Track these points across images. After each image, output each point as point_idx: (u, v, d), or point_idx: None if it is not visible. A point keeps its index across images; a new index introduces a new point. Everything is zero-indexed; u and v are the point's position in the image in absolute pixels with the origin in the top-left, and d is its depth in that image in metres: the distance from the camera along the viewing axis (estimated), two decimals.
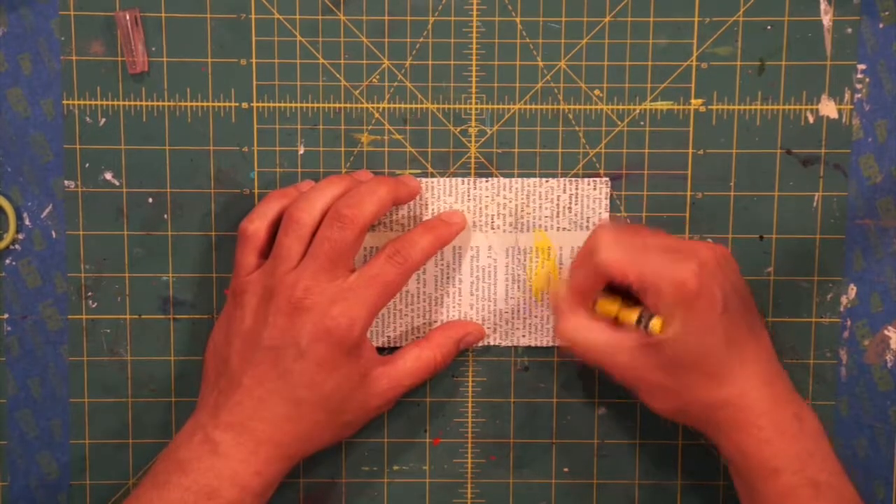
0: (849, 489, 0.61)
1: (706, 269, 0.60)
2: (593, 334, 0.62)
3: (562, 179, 0.67)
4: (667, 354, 0.60)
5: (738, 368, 0.60)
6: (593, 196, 0.68)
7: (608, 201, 0.67)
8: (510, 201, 0.67)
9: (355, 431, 0.66)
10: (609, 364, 0.62)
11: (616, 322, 0.63)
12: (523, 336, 0.69)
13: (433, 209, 0.67)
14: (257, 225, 0.64)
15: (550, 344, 0.69)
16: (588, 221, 0.68)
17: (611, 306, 0.63)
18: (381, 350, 0.67)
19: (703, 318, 0.59)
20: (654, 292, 0.60)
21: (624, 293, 0.63)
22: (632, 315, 0.62)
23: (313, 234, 0.63)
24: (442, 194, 0.67)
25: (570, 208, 0.68)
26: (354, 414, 0.64)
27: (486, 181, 0.67)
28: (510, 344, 0.69)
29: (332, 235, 0.62)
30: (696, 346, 0.60)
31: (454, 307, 0.68)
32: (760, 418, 0.60)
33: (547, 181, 0.67)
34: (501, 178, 0.67)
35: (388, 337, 0.68)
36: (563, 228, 0.68)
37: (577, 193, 0.67)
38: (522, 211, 0.68)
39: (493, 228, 0.68)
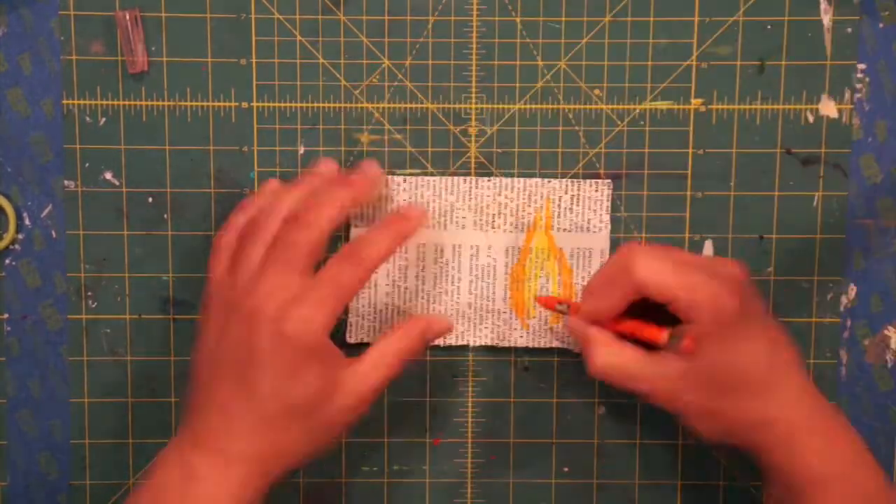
0: (892, 492, 0.60)
1: (739, 285, 0.59)
2: (632, 362, 0.61)
3: (563, 180, 0.67)
4: (707, 376, 0.59)
5: (780, 384, 0.60)
6: (595, 197, 0.68)
7: (609, 203, 0.67)
8: (511, 201, 0.67)
9: (336, 438, 0.62)
10: (650, 391, 0.61)
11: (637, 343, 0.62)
12: (521, 337, 0.69)
13: (434, 207, 0.67)
14: (228, 238, 0.63)
15: (549, 345, 0.69)
16: (589, 223, 0.68)
17: (632, 327, 0.62)
18: None
19: (744, 335, 0.59)
20: (696, 308, 0.59)
21: (639, 313, 0.62)
22: (658, 335, 0.61)
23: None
24: (444, 192, 0.67)
25: (571, 209, 0.68)
26: (328, 420, 0.60)
27: (488, 180, 0.67)
28: (508, 345, 0.69)
29: (290, 237, 0.60)
30: (737, 364, 0.59)
31: (452, 305, 0.68)
32: (808, 432, 0.59)
33: (549, 182, 0.67)
34: (503, 178, 0.67)
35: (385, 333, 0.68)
36: (564, 230, 0.68)
37: (578, 195, 0.67)
38: (523, 211, 0.68)
39: (493, 228, 0.68)
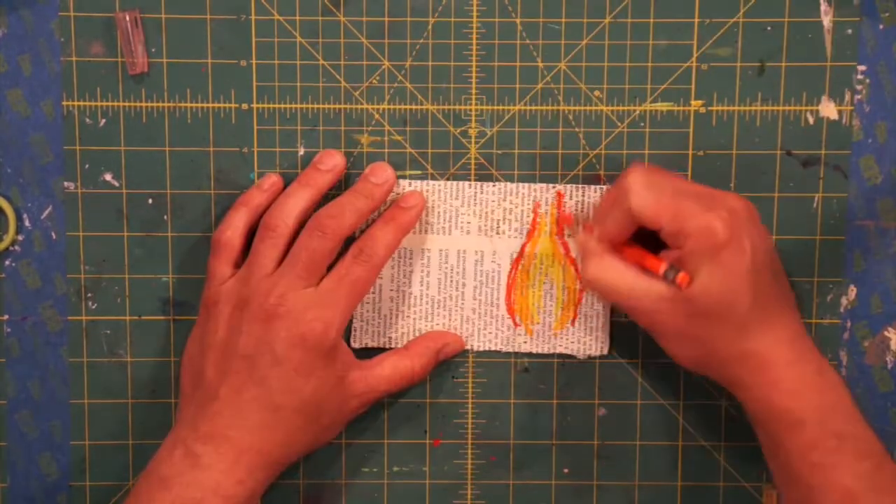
0: (873, 440, 0.61)
1: (736, 218, 0.60)
2: (620, 276, 0.62)
3: (568, 186, 0.67)
4: (693, 304, 0.60)
5: (762, 323, 0.60)
6: (597, 201, 0.67)
7: None
8: (516, 206, 0.67)
9: (335, 435, 0.66)
10: (633, 307, 0.62)
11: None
12: (525, 343, 0.69)
13: (438, 212, 0.67)
14: (230, 234, 0.65)
15: (552, 351, 0.69)
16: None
17: (636, 255, 0.63)
18: (382, 351, 0.68)
19: (731, 269, 0.59)
20: (684, 237, 0.60)
21: (649, 242, 0.63)
22: (657, 265, 0.61)
23: (288, 242, 0.63)
24: (448, 197, 0.67)
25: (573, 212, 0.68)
26: (332, 417, 0.64)
27: (493, 185, 0.67)
28: (511, 349, 0.69)
29: (312, 245, 0.62)
30: (722, 296, 0.59)
31: (457, 310, 0.68)
32: (783, 371, 0.60)
33: (553, 187, 0.67)
34: (508, 184, 0.67)
35: (390, 338, 0.68)
36: (569, 235, 0.67)
37: (583, 200, 0.67)
38: (528, 216, 0.67)
39: (498, 233, 0.67)
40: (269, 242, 0.63)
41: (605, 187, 0.67)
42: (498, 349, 0.69)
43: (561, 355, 0.69)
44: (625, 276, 0.62)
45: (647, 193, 0.61)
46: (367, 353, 0.67)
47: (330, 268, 0.63)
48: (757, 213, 0.62)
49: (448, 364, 0.69)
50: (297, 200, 0.64)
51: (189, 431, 0.62)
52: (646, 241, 0.63)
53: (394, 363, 0.66)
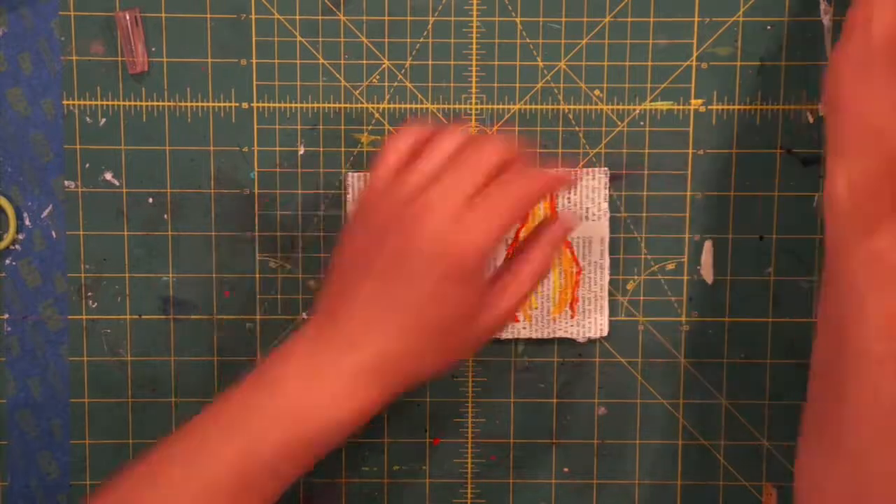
0: None
1: None
2: None
3: (560, 170, 0.67)
4: None
5: None
6: (592, 186, 0.68)
7: (607, 191, 0.67)
8: None
9: (459, 360, 0.61)
10: None
11: None
12: (523, 328, 0.69)
13: None
14: (400, 144, 0.60)
15: (551, 336, 0.69)
16: (588, 212, 0.68)
17: None
18: None
19: None
20: None
21: None
22: None
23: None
24: None
25: (569, 199, 0.68)
26: (463, 339, 0.59)
27: None
28: (511, 336, 0.69)
29: (471, 157, 0.58)
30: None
31: None
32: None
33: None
34: None
35: None
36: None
37: (579, 187, 0.67)
38: None
39: None
40: (432, 151, 0.58)
41: (601, 170, 0.67)
42: (497, 336, 0.69)
43: (561, 353, 0.69)
44: None
45: None
46: None
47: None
48: None
49: None
50: (462, 139, 0.59)
51: (315, 332, 0.59)
52: None
53: (519, 279, 0.60)
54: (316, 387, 0.57)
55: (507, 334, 0.69)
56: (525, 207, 0.58)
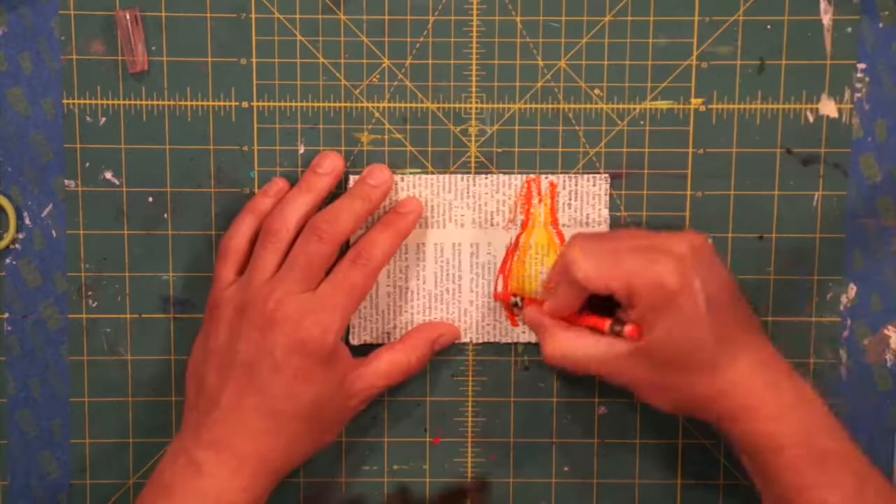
0: (856, 454, 0.60)
1: (684, 264, 0.59)
2: (579, 346, 0.62)
3: (561, 176, 0.67)
4: (655, 356, 0.60)
5: (732, 356, 0.60)
6: (593, 192, 0.68)
7: (608, 197, 0.68)
8: (510, 198, 0.67)
9: (335, 437, 0.66)
10: (602, 373, 0.62)
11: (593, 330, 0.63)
12: (523, 332, 0.69)
13: (432, 206, 0.67)
14: (236, 241, 0.65)
15: None
16: (588, 218, 0.68)
17: (587, 320, 0.63)
18: (379, 346, 0.68)
19: (688, 315, 0.59)
20: (636, 296, 0.59)
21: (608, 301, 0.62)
22: (603, 325, 0.62)
23: (289, 247, 0.63)
24: (441, 191, 0.67)
25: (569, 205, 0.68)
26: (333, 419, 0.64)
27: (486, 178, 0.67)
28: (509, 341, 0.69)
29: (309, 249, 0.62)
30: (683, 343, 0.59)
31: (454, 304, 0.68)
32: (761, 397, 0.59)
33: (547, 177, 0.67)
34: (501, 175, 0.67)
35: (388, 333, 0.68)
36: (564, 225, 0.68)
37: (576, 190, 0.68)
38: (522, 207, 0.68)
39: (492, 225, 0.68)
40: (270, 248, 0.63)
41: (602, 176, 0.67)
42: (496, 340, 0.69)
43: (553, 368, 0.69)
44: (583, 345, 0.62)
45: (589, 263, 0.60)
46: (366, 350, 0.67)
47: (329, 273, 0.63)
48: (708, 247, 0.61)
49: (448, 362, 0.69)
50: (297, 205, 0.64)
51: (192, 439, 0.62)
52: (604, 301, 0.62)
53: (390, 358, 0.65)
54: (206, 486, 0.60)
55: (506, 338, 0.69)
56: (360, 296, 0.63)
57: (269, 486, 0.62)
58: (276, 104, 0.67)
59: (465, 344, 0.69)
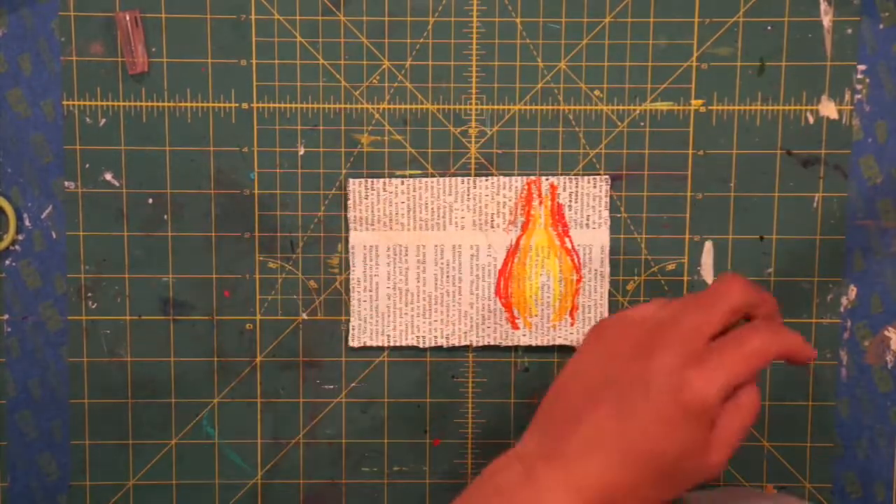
0: None
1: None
2: None
3: (561, 177, 0.67)
4: None
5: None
6: (593, 194, 0.68)
7: (608, 199, 0.68)
8: (510, 200, 0.68)
9: (680, 495, 0.59)
10: None
11: None
12: (523, 336, 0.69)
13: (432, 208, 0.67)
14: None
15: (551, 343, 0.69)
16: (588, 219, 0.68)
17: None
18: (380, 349, 0.68)
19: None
20: None
21: None
22: None
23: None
24: (441, 193, 0.67)
25: (570, 206, 0.68)
26: (682, 477, 0.57)
27: (486, 180, 0.67)
28: (510, 343, 0.69)
29: (723, 298, 0.56)
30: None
31: (454, 306, 0.68)
32: None
33: (547, 179, 0.67)
34: (501, 178, 0.67)
35: (388, 336, 0.68)
36: (564, 226, 0.68)
37: (576, 191, 0.68)
38: (522, 209, 0.68)
39: (492, 227, 0.68)
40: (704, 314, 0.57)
41: (602, 178, 0.67)
42: (497, 343, 0.69)
43: (560, 353, 0.69)
44: None
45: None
46: (364, 352, 0.67)
47: None
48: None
49: (448, 364, 0.69)
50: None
51: (536, 447, 0.57)
52: None
53: (735, 433, 0.57)
54: (535, 499, 0.56)
55: (506, 341, 0.69)
56: (761, 364, 0.56)
57: None
58: (276, 105, 0.67)
59: (466, 345, 0.69)
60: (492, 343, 0.69)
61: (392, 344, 0.68)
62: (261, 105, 0.67)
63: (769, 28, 0.67)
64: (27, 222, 0.68)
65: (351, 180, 0.67)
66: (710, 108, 0.67)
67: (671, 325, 0.56)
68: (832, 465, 0.69)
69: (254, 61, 0.67)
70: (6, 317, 0.68)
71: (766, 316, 0.57)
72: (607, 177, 0.67)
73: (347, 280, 0.68)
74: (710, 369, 0.55)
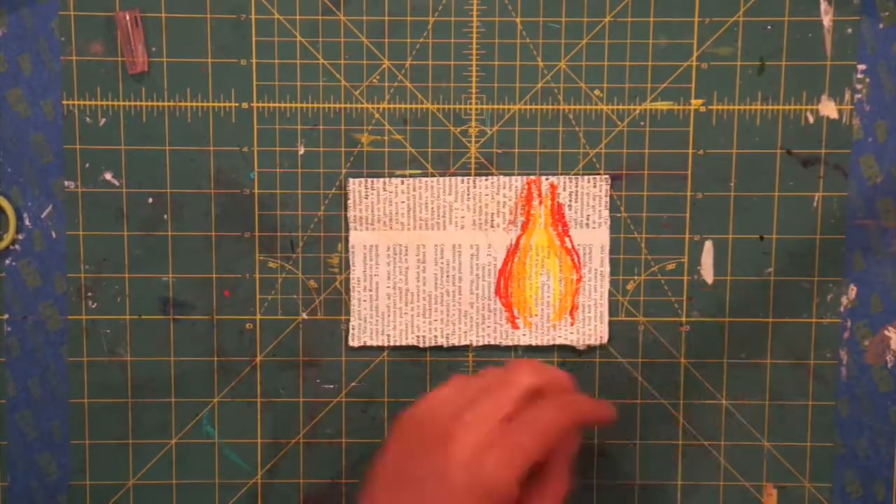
0: None
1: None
2: None
3: (561, 177, 0.68)
4: None
5: None
6: (593, 193, 0.68)
7: (608, 198, 0.68)
8: (510, 199, 0.68)
9: None
10: None
11: None
12: (524, 335, 0.69)
13: (432, 207, 0.67)
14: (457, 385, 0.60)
15: (551, 343, 0.69)
16: (588, 219, 0.68)
17: None
18: (380, 349, 0.68)
19: None
20: None
21: None
22: None
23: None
24: (441, 192, 0.67)
25: (570, 206, 0.68)
26: None
27: (486, 179, 0.67)
28: (510, 343, 0.69)
29: (513, 382, 0.58)
30: None
31: (454, 305, 0.68)
32: None
33: (547, 179, 0.67)
34: (501, 177, 0.67)
35: (388, 335, 0.68)
36: (564, 226, 0.68)
37: (576, 191, 0.68)
38: (522, 209, 0.68)
39: (492, 226, 0.68)
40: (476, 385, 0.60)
41: (602, 177, 0.67)
42: (497, 343, 0.69)
43: (560, 353, 0.69)
44: None
45: None
46: (364, 352, 0.67)
47: None
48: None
49: (449, 362, 0.69)
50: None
51: None
52: None
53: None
54: None
55: (507, 341, 0.69)
56: (554, 440, 0.58)
57: None
58: (276, 105, 0.67)
59: (467, 345, 0.69)
60: (492, 343, 0.69)
61: (392, 344, 0.68)
62: (261, 105, 0.67)
63: (769, 28, 0.67)
64: (27, 222, 0.68)
65: (351, 180, 0.67)
66: (710, 107, 0.67)
67: (466, 413, 0.57)
68: (832, 464, 0.69)
69: (254, 61, 0.67)
70: (6, 316, 0.68)
71: (558, 392, 0.59)
72: (607, 176, 0.68)
73: (347, 280, 0.68)
74: (504, 452, 0.56)
